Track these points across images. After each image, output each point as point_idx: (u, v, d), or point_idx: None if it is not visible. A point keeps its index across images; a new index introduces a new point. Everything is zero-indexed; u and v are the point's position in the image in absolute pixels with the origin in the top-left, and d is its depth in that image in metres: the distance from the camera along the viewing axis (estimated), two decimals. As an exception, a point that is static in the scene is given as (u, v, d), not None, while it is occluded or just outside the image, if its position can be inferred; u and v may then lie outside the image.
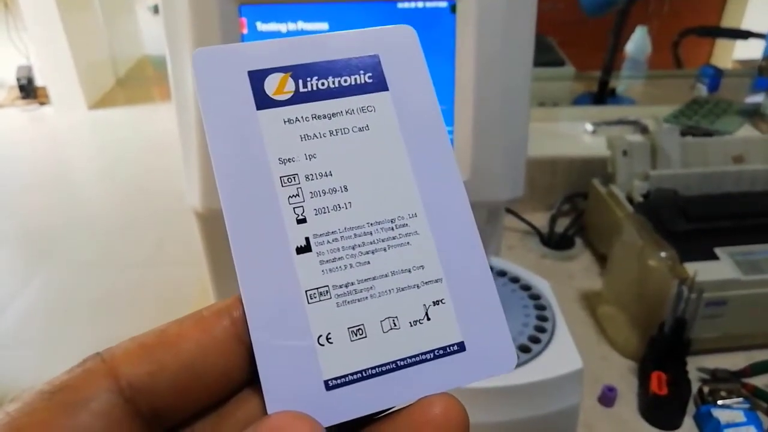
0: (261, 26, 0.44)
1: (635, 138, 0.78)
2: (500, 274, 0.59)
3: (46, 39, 3.00)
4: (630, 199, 0.74)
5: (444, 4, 0.44)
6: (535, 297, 0.55)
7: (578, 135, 0.96)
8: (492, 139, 0.46)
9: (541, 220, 0.88)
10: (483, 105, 0.45)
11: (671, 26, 1.61)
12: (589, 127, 0.95)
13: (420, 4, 0.44)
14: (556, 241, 0.85)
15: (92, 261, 2.26)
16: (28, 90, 3.37)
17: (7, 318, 1.97)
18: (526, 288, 0.56)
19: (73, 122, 3.41)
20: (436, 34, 0.45)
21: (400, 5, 0.44)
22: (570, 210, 0.91)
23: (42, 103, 3.42)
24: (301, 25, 0.44)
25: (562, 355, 0.49)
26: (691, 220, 0.65)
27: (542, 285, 0.57)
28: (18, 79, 3.32)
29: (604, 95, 1.21)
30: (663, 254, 0.60)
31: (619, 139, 0.77)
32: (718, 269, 0.61)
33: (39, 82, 3.42)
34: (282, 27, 0.44)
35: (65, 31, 3.02)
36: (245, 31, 0.44)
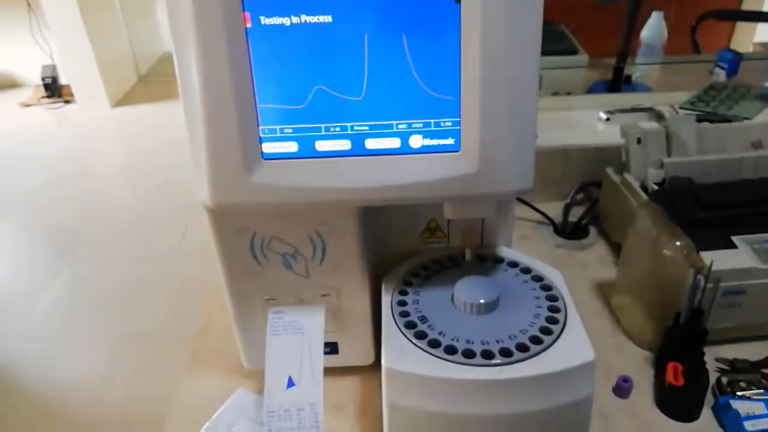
0: (265, 20, 0.44)
1: (649, 125, 0.76)
2: (511, 264, 0.58)
3: (68, 38, 3.04)
4: (644, 188, 0.72)
5: (448, -6, 0.43)
6: (547, 288, 0.55)
7: (592, 123, 0.95)
8: (499, 131, 0.46)
9: (554, 209, 0.87)
10: (489, 96, 0.45)
11: (688, 10, 1.57)
12: (602, 115, 0.94)
13: (424, -5, 0.43)
14: (569, 231, 0.84)
15: (116, 254, 2.29)
16: (53, 89, 3.42)
17: (36, 311, 2.01)
18: (538, 279, 0.56)
19: (97, 119, 3.46)
20: (440, 25, 0.44)
21: (404, -4, 0.44)
22: (584, 199, 0.90)
23: (67, 101, 3.46)
24: (305, 17, 0.44)
25: (574, 346, 0.48)
26: (707, 208, 0.64)
27: (554, 275, 0.56)
28: (43, 78, 3.36)
29: (619, 83, 1.20)
30: (678, 243, 0.59)
31: (633, 126, 0.76)
32: (735, 258, 0.60)
33: (63, 80, 3.46)
34: (285, 20, 0.44)
35: (87, 30, 3.05)
36: (249, 25, 0.44)
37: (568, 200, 0.86)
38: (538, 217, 0.86)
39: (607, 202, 0.81)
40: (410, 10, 0.44)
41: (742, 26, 2.27)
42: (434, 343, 0.49)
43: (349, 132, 0.47)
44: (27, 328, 1.91)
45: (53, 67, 3.35)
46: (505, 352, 0.48)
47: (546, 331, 0.50)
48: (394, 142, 0.47)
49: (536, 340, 0.49)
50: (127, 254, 2.25)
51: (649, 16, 1.37)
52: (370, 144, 0.47)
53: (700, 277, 0.57)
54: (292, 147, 0.47)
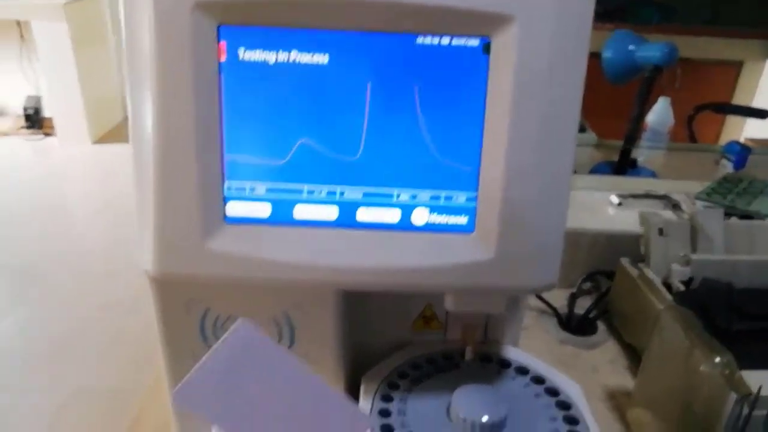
0: (244, 54, 0.35)
1: (672, 216, 0.68)
2: (520, 371, 0.48)
3: (57, 71, 2.99)
4: (667, 286, 0.64)
5: (475, 43, 0.35)
6: (565, 406, 0.44)
7: (602, 206, 0.87)
8: (526, 212, 0.37)
9: (559, 298, 0.78)
10: (517, 170, 0.36)
11: (683, 100, 1.56)
12: (614, 199, 0.86)
13: (445, 41, 0.35)
14: (576, 325, 0.74)
15: (74, 298, 2.14)
16: (34, 120, 3.33)
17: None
18: (553, 392, 0.46)
19: (76, 154, 3.37)
20: (463, 79, 0.36)
21: (419, 40, 0.35)
22: (592, 289, 0.81)
23: (47, 134, 3.38)
24: (295, 55, 0.35)
25: (602, 493, 0.38)
26: (748, 318, 0.55)
27: (573, 389, 0.46)
28: (25, 109, 3.28)
29: (625, 165, 1.13)
30: (717, 360, 0.49)
31: (654, 215, 0.68)
32: (783, 381, 0.51)
33: (46, 113, 3.38)
34: (270, 56, 0.35)
35: (77, 65, 3.01)
36: (223, 58, 0.35)
37: (574, 289, 0.77)
38: (541, 305, 0.77)
39: (621, 296, 0.72)
40: (427, 59, 0.36)
41: (732, 121, 2.29)
42: (423, 474, 0.38)
43: (338, 198, 0.38)
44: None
45: (37, 99, 3.28)
46: (514, 495, 0.37)
47: (565, 468, 0.39)
48: (393, 215, 0.38)
49: (553, 481, 0.38)
50: (88, 300, 2.11)
51: (655, 101, 1.34)
52: (363, 215, 0.38)
53: (744, 403, 0.47)
54: (263, 210, 0.38)
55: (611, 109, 1.30)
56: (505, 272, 0.38)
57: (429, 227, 0.38)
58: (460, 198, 0.37)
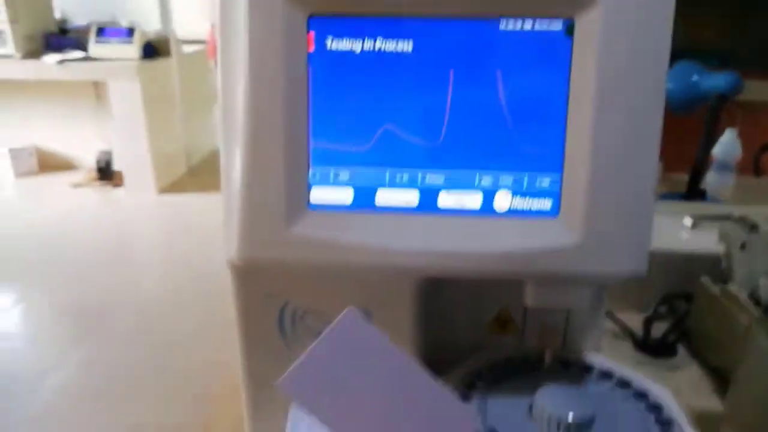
0: (332, 43, 0.37)
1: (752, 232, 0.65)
2: (604, 375, 0.46)
3: (128, 128, 3.20)
4: (756, 301, 0.60)
5: (558, 26, 0.36)
6: (656, 408, 0.42)
7: (674, 229, 0.84)
8: (613, 194, 0.36)
9: (632, 322, 0.75)
10: (603, 150, 0.36)
11: (745, 140, 1.53)
12: (687, 221, 0.83)
13: (528, 26, 0.36)
14: (653, 347, 0.71)
15: (134, 339, 2.20)
16: (106, 172, 3.56)
17: (40, 391, 1.89)
18: (642, 396, 0.43)
19: (142, 204, 3.55)
20: (546, 62, 0.36)
21: (502, 26, 0.36)
22: (666, 314, 0.78)
23: (116, 185, 3.59)
24: (380, 43, 0.37)
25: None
26: None
27: (663, 393, 0.44)
28: (97, 162, 3.52)
29: (694, 195, 1.10)
30: (820, 369, 0.46)
31: (736, 230, 0.65)
32: None
33: (116, 166, 3.61)
34: (356, 45, 0.37)
35: (147, 122, 3.21)
36: (312, 48, 0.37)
37: (650, 313, 0.74)
38: (613, 328, 0.73)
39: (703, 318, 0.69)
40: (509, 44, 0.36)
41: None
42: (508, 471, 0.37)
43: (419, 184, 0.38)
44: (31, 407, 1.79)
45: (109, 153, 3.50)
46: (608, 494, 0.35)
47: (662, 470, 0.37)
48: (475, 200, 0.38)
49: (650, 482, 0.36)
50: (147, 341, 2.17)
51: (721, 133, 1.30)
52: (444, 200, 0.38)
53: None
54: (346, 197, 0.39)
55: (674, 143, 1.28)
56: (591, 258, 0.37)
57: (511, 213, 0.38)
58: (544, 181, 0.37)
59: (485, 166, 0.37)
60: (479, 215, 0.38)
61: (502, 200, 0.38)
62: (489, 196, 0.38)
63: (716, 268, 0.70)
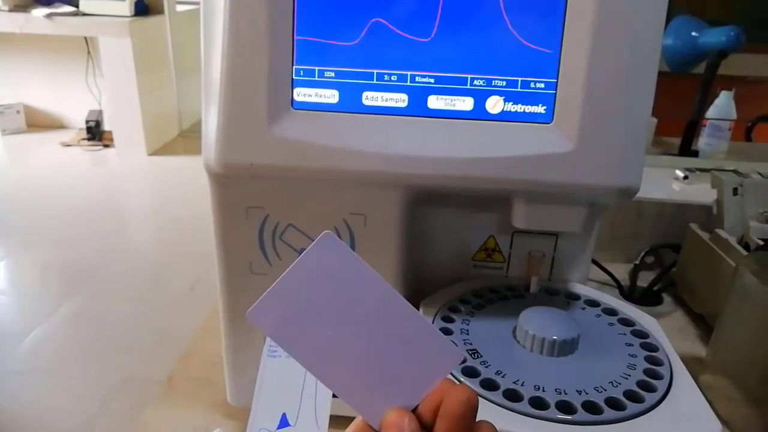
0: (321, -70, 0.35)
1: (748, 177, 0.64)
2: (591, 303, 0.45)
3: (119, 88, 3.15)
4: (745, 245, 0.59)
5: None
6: (641, 334, 0.41)
7: (666, 181, 0.83)
8: (609, 102, 0.35)
9: (619, 272, 0.74)
10: (602, 54, 0.34)
11: (742, 108, 1.51)
12: (680, 173, 0.82)
13: None
14: (639, 297, 0.70)
15: (120, 296, 2.19)
16: (95, 132, 3.52)
17: (25, 344, 1.89)
18: (628, 323, 0.42)
19: (132, 164, 3.51)
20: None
21: None
22: (654, 264, 0.77)
23: (106, 146, 3.55)
24: (372, -69, 0.35)
25: (689, 409, 0.34)
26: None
27: (648, 321, 0.43)
28: (87, 121, 3.47)
29: (687, 154, 1.09)
30: (809, 303, 0.45)
31: (729, 175, 0.64)
32: None
33: (106, 126, 3.57)
34: (347, -67, 0.35)
35: (138, 82, 3.16)
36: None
37: (637, 261, 0.73)
38: (602, 277, 0.73)
39: (690, 264, 0.68)
40: (506, -65, 0.34)
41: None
42: (489, 385, 0.36)
43: (409, 83, 0.36)
44: (14, 360, 1.78)
45: (99, 113, 3.44)
46: (591, 407, 0.34)
47: (646, 387, 0.36)
48: (466, 103, 0.36)
49: (633, 397, 0.35)
50: (133, 298, 2.16)
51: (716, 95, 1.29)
52: (434, 102, 0.36)
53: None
54: (332, 96, 0.37)
55: (670, 102, 1.26)
56: (585, 167, 0.35)
57: (504, 116, 0.36)
58: (539, 84, 0.35)
59: (477, 68, 0.36)
60: (471, 118, 0.36)
61: (495, 104, 0.36)
62: (481, 99, 0.36)
63: (707, 219, 0.69)
